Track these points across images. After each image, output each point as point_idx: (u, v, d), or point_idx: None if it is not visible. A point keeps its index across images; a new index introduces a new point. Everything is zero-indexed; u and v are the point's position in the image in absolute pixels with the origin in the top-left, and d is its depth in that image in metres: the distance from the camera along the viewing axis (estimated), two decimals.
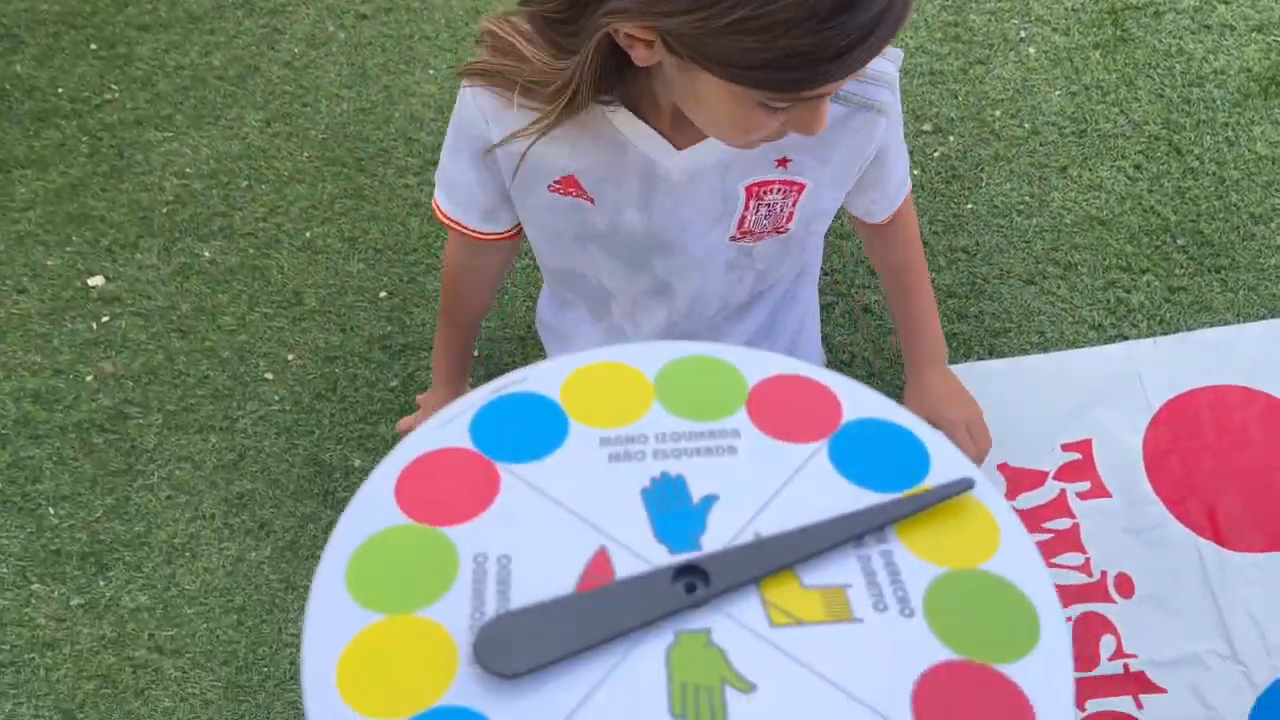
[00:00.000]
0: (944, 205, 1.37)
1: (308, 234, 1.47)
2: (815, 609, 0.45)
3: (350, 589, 0.45)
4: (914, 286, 1.03)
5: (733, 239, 0.87)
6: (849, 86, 0.77)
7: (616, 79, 0.73)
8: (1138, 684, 1.07)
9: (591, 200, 0.84)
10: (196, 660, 1.20)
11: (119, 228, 1.50)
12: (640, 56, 0.67)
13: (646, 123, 0.77)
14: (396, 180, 1.51)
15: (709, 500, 0.49)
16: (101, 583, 1.25)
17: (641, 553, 0.47)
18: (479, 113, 0.80)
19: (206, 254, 1.47)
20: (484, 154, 0.83)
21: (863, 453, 0.51)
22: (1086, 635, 1.10)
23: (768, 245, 0.90)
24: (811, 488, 0.50)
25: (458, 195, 0.89)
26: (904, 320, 1.06)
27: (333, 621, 0.44)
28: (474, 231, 0.91)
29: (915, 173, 1.39)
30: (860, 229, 1.01)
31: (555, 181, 0.83)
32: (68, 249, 1.49)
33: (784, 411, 0.53)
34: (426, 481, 0.49)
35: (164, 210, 1.52)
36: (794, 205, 0.85)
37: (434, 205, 0.92)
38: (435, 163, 0.94)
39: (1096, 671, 1.08)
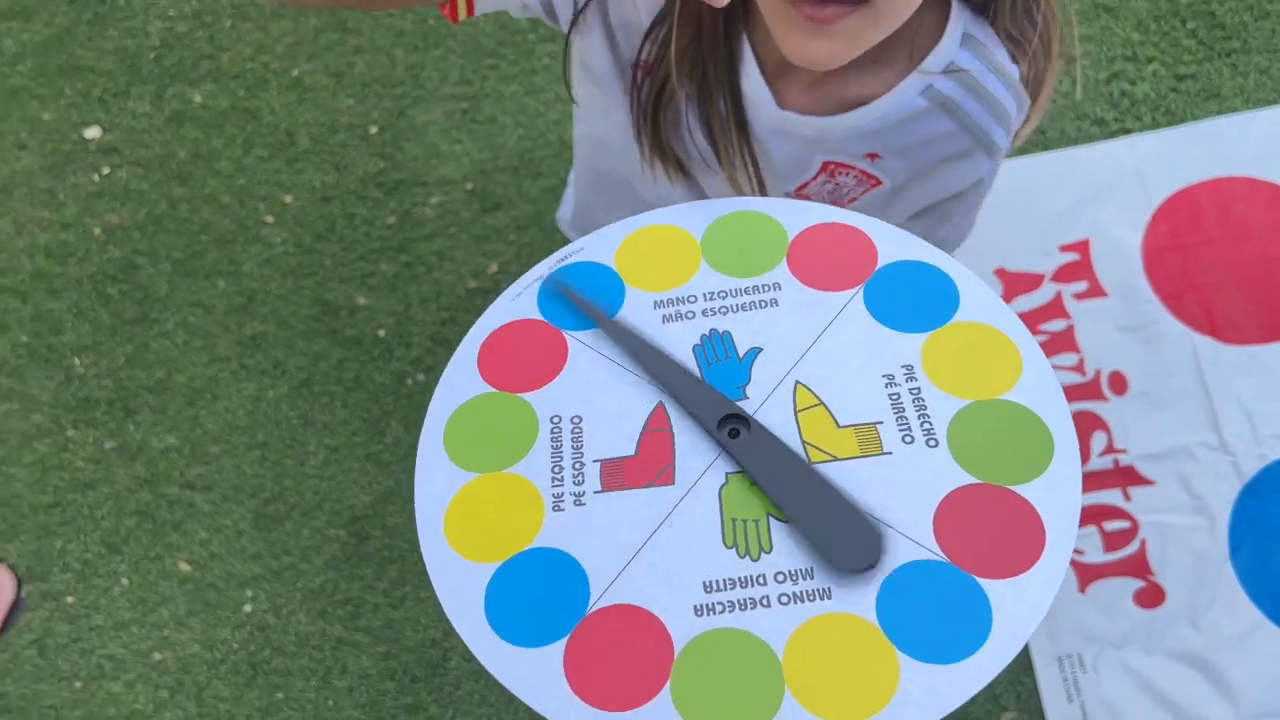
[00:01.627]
0: None
1: (295, 72, 1.45)
2: (849, 445, 0.49)
3: (449, 451, 0.52)
4: None
5: (787, 194, 0.78)
6: (963, 98, 0.68)
7: None
8: (1126, 477, 1.10)
9: (688, 167, 0.76)
10: (226, 495, 1.26)
11: (109, 76, 1.49)
12: None
13: (758, 66, 0.69)
14: (382, 12, 1.47)
15: (754, 352, 0.53)
16: (130, 426, 1.31)
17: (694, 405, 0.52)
18: (595, 37, 0.69)
19: (198, 98, 1.46)
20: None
21: (896, 295, 0.54)
22: (1081, 434, 1.12)
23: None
24: (848, 333, 0.53)
25: None
26: None
27: (436, 481, 0.51)
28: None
29: None
30: None
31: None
32: (61, 101, 1.49)
33: (822, 261, 0.56)
34: (504, 353, 0.55)
35: (151, 56, 1.50)
36: (863, 195, 0.78)
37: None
38: None
39: (1087, 467, 1.11)
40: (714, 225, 0.59)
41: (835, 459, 0.49)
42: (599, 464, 0.51)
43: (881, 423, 0.50)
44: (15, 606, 1.26)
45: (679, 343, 0.54)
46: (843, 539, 0.47)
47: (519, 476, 0.51)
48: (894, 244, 0.57)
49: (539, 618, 0.47)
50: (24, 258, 1.41)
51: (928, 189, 0.75)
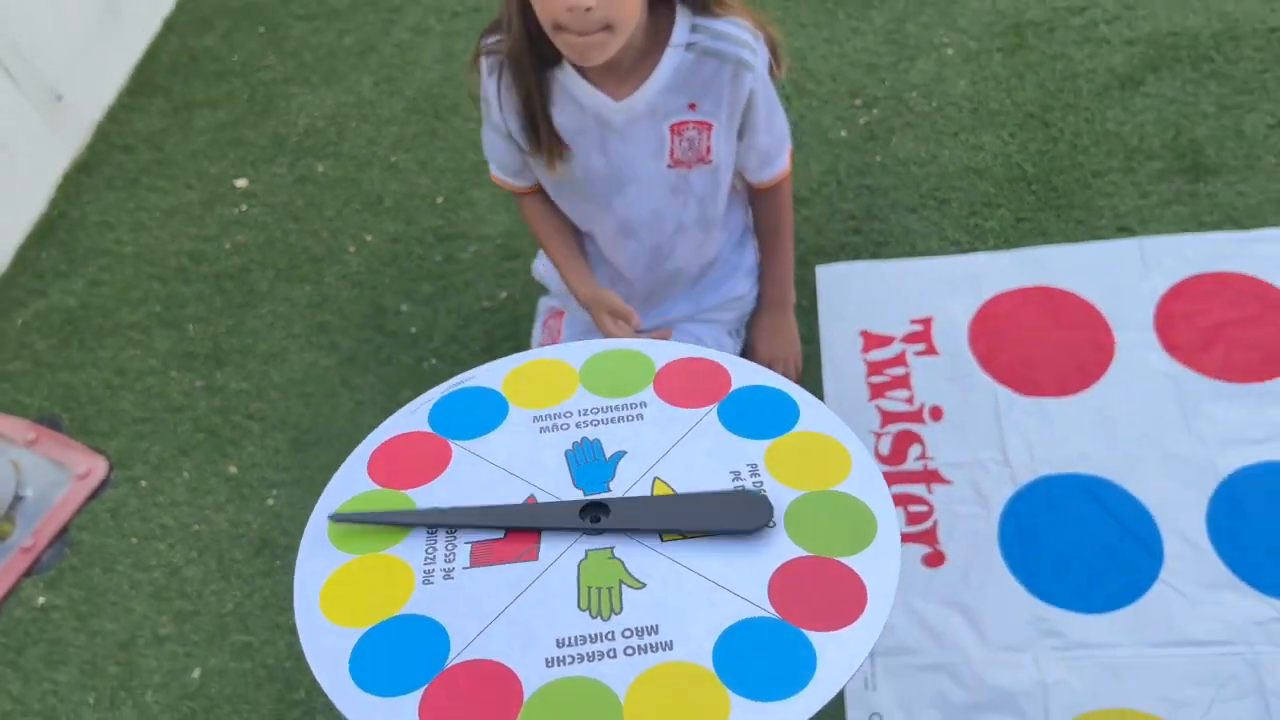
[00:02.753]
0: (859, 156, 1.80)
1: (393, 158, 2.00)
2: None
3: (331, 537, 0.56)
4: (778, 248, 1.40)
5: (669, 167, 1.19)
6: (713, 43, 1.11)
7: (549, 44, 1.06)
8: (931, 477, 1.45)
9: (570, 148, 1.16)
10: (274, 425, 1.68)
11: (262, 148, 2.06)
12: None
13: (588, 81, 1.12)
14: (463, 125, 2.03)
15: (619, 455, 0.58)
16: (217, 374, 1.76)
17: (561, 496, 0.57)
18: (492, 94, 1.16)
19: (320, 169, 2.01)
20: (505, 128, 1.17)
21: (745, 411, 0.62)
22: (901, 445, 1.48)
23: (699, 174, 1.21)
24: (702, 440, 0.60)
25: (506, 167, 1.26)
26: (765, 270, 1.43)
27: (317, 560, 0.55)
28: (517, 188, 1.28)
29: (842, 134, 1.83)
30: (749, 192, 1.35)
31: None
32: (224, 161, 2.05)
33: (683, 385, 0.63)
34: (392, 458, 0.60)
35: (294, 139, 2.07)
36: (709, 140, 1.17)
37: (491, 176, 1.29)
38: None
39: (902, 467, 1.46)
40: (592, 359, 0.66)
41: (685, 537, 0.55)
42: (470, 545, 0.55)
43: None
44: (104, 483, 1.67)
45: (553, 448, 0.60)
46: (737, 510, 0.54)
47: (394, 557, 0.54)
48: (746, 373, 0.65)
49: (399, 672, 0.50)
50: (171, 257, 1.92)
51: (734, 108, 1.16)
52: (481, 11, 2.21)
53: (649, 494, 0.57)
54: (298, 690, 1.41)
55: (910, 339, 1.58)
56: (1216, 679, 1.24)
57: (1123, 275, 1.58)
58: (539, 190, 1.30)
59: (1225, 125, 1.72)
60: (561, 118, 1.16)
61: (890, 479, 1.45)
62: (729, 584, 0.53)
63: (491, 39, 1.15)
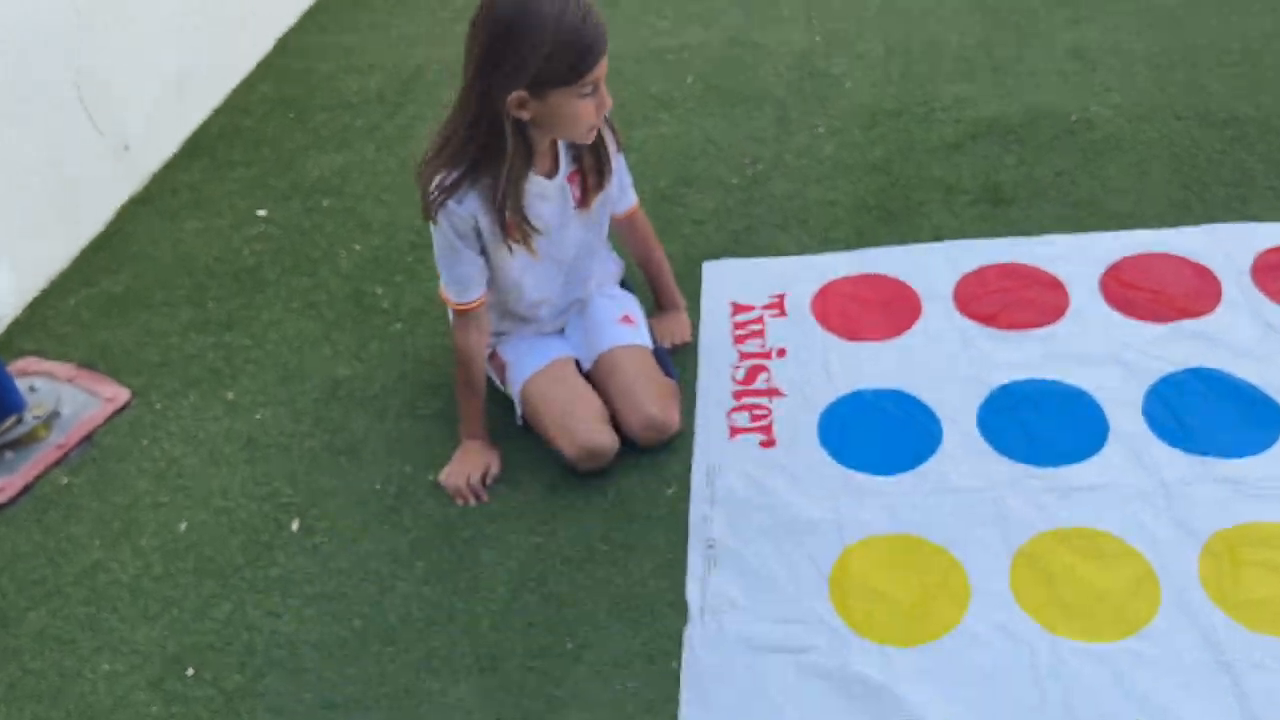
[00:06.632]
0: (744, 194, 2.31)
1: (384, 196, 2.52)
2: None
3: None
4: (660, 270, 1.98)
5: (575, 209, 1.71)
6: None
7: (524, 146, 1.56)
8: (772, 393, 1.86)
9: (538, 230, 1.64)
10: (266, 366, 2.10)
11: (281, 191, 2.59)
12: (524, 113, 1.50)
13: (535, 173, 1.60)
14: None
15: None
16: (227, 335, 2.20)
17: None
18: (468, 214, 1.57)
19: (325, 203, 2.53)
20: (475, 239, 1.61)
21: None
22: (753, 374, 1.91)
23: (599, 203, 1.74)
24: None
25: (466, 283, 1.65)
26: (656, 287, 2.01)
27: None
28: (473, 302, 1.66)
29: (733, 180, 2.35)
30: (623, 230, 1.92)
31: (505, 229, 1.61)
32: (250, 199, 2.58)
33: None
34: None
35: (307, 184, 2.60)
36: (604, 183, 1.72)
37: (452, 307, 1.69)
38: None
39: (752, 386, 1.88)
40: None
41: None
42: None
43: None
44: (127, 405, 2.08)
45: None
46: None
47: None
48: None
49: None
50: (200, 259, 2.41)
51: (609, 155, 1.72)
52: None
53: None
54: (262, 535, 1.78)
55: (767, 307, 2.04)
56: (970, 513, 1.61)
57: (932, 265, 2.05)
58: (483, 302, 1.72)
59: (1022, 173, 2.24)
60: (533, 207, 1.64)
61: (741, 395, 1.87)
62: None
63: (445, 184, 1.57)
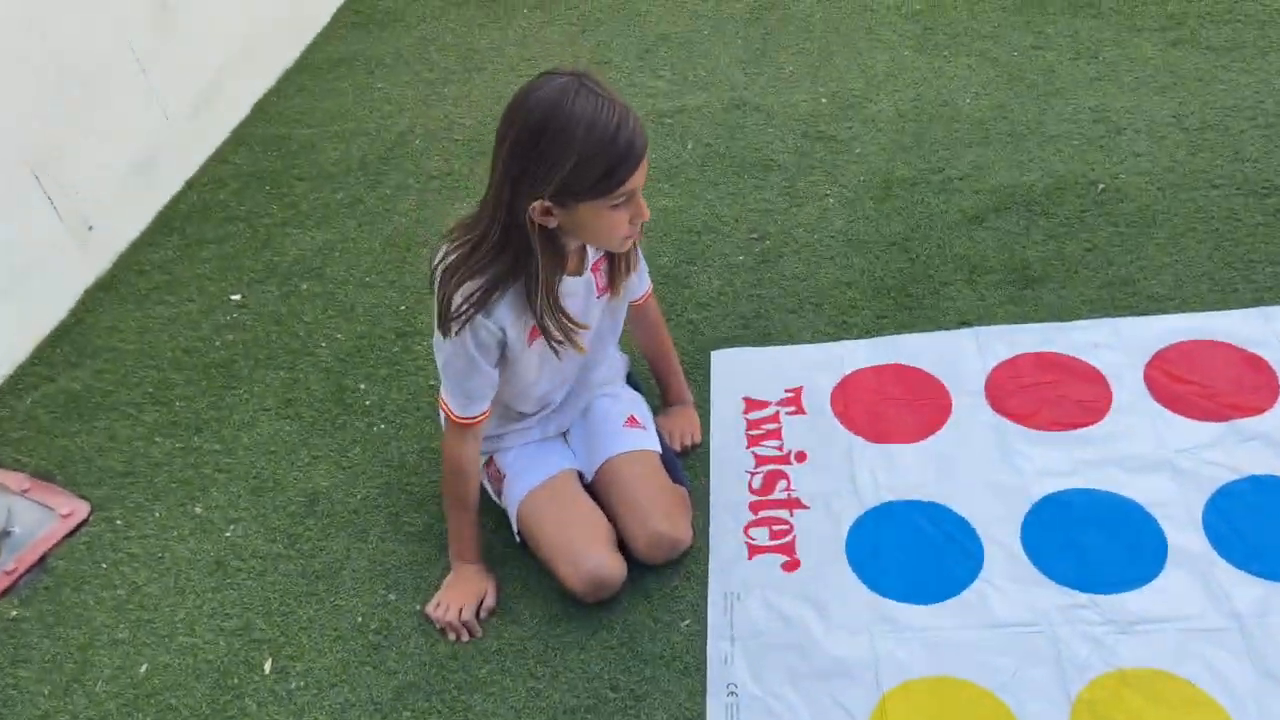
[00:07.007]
0: (752, 274, 2.15)
1: (367, 279, 2.35)
2: None
3: None
4: (669, 365, 1.84)
5: (597, 297, 1.56)
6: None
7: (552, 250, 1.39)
8: (793, 504, 1.70)
9: (585, 325, 1.51)
10: (237, 476, 1.93)
11: (256, 273, 2.42)
12: (550, 221, 1.33)
13: (565, 274, 1.45)
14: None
15: None
16: (195, 438, 2.03)
17: None
18: (495, 326, 1.41)
19: (304, 286, 2.36)
20: (497, 350, 1.45)
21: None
22: (770, 481, 1.74)
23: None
24: None
25: (474, 397, 1.49)
26: (664, 382, 1.86)
27: None
28: (477, 417, 1.51)
29: (740, 258, 2.19)
30: (633, 318, 1.75)
31: (529, 333, 1.47)
32: (223, 281, 2.41)
33: None
34: None
35: (285, 265, 2.44)
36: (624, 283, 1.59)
37: (453, 421, 1.51)
38: None
39: (770, 496, 1.71)
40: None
41: None
42: None
43: None
44: (84, 522, 1.90)
45: None
46: None
47: None
48: None
49: None
50: (168, 351, 2.24)
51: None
52: (454, 175, 2.64)
53: None
54: (232, 679, 1.60)
55: (783, 403, 1.87)
56: (1021, 651, 1.44)
57: (960, 355, 1.89)
58: (488, 415, 1.55)
59: (1050, 249, 2.08)
60: (571, 306, 1.49)
61: (759, 506, 1.70)
62: None
63: (474, 298, 1.39)
